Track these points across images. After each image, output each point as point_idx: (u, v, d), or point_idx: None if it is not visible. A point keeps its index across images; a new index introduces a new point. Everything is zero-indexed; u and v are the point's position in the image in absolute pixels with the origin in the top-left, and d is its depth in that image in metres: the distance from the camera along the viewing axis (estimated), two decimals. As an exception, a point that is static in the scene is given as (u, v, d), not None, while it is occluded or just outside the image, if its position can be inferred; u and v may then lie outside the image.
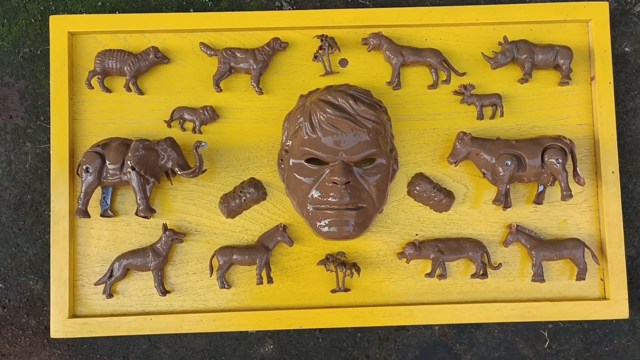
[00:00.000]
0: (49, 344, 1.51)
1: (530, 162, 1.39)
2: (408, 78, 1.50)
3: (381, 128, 1.39)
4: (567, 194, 1.39)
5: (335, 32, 1.49)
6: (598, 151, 1.47)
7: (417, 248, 1.42)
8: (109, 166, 1.39)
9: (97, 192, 1.44)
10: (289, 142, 1.42)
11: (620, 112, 1.54)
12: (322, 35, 1.46)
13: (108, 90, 1.48)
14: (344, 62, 1.50)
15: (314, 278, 1.46)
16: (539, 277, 1.43)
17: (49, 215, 1.45)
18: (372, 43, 1.46)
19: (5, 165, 1.52)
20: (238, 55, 1.46)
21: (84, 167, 1.39)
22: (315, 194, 1.36)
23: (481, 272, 1.43)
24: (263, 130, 1.48)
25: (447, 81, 1.49)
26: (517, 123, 1.49)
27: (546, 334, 1.53)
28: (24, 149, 1.53)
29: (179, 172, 1.40)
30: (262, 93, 1.48)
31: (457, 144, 1.43)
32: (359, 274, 1.42)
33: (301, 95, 1.46)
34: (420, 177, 1.47)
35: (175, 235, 1.42)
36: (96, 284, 1.44)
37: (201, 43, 1.48)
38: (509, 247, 1.46)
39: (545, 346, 1.53)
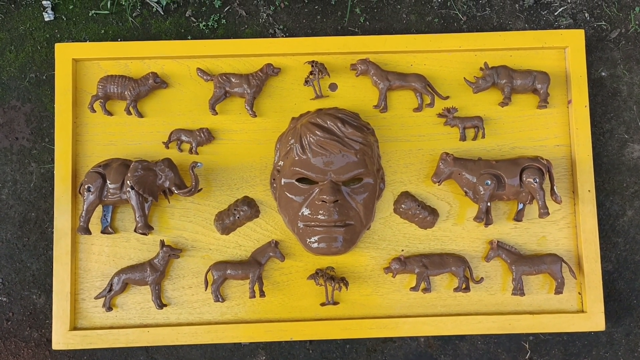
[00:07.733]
0: (51, 355, 1.56)
1: (509, 181, 1.45)
2: (394, 101, 1.56)
3: (368, 149, 1.45)
4: (544, 212, 1.45)
5: (325, 58, 1.55)
6: (575, 171, 1.53)
7: (402, 263, 1.48)
8: (109, 185, 1.44)
9: (98, 210, 1.50)
10: (281, 163, 1.48)
11: (597, 133, 1.60)
12: (313, 61, 1.52)
13: (109, 113, 1.54)
14: (333, 87, 1.56)
15: (304, 292, 1.51)
16: (519, 290, 1.48)
17: (52, 232, 1.51)
18: (360, 68, 1.53)
19: (11, 185, 1.58)
20: (233, 80, 1.52)
21: (86, 186, 1.44)
22: (305, 211, 1.41)
23: (464, 286, 1.49)
24: (256, 151, 1.54)
25: (431, 104, 1.55)
26: (498, 144, 1.55)
27: (527, 346, 1.57)
28: (29, 169, 1.59)
29: (176, 191, 1.45)
30: (255, 116, 1.54)
31: (441, 164, 1.49)
32: (347, 287, 1.48)
33: (293, 118, 1.53)
34: (405, 195, 1.53)
35: (172, 251, 1.48)
36: (96, 297, 1.49)
37: (198, 69, 1.54)
38: (491, 262, 1.52)
39: (527, 357, 1.57)
